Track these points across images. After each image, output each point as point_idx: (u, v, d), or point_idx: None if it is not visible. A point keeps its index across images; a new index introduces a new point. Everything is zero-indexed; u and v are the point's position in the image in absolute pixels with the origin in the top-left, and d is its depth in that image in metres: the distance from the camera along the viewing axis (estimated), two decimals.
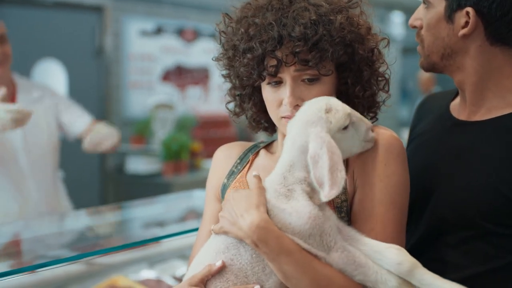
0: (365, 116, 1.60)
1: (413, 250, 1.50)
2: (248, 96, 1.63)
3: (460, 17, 1.56)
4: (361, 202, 1.46)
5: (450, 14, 1.56)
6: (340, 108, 1.39)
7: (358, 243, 1.38)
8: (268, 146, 1.72)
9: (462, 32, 1.56)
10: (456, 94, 1.77)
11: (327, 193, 1.28)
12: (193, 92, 7.61)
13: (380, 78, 1.60)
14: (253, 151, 1.70)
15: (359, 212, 1.45)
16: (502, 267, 1.44)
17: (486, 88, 1.60)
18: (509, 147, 1.52)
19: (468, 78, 1.61)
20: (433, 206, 1.62)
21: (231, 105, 1.73)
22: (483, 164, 1.54)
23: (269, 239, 1.33)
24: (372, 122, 1.63)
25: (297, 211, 1.35)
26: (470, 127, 1.62)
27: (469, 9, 1.54)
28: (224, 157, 1.72)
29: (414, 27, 1.67)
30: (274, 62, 1.46)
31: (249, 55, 1.48)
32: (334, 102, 1.41)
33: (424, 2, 1.63)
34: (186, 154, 6.43)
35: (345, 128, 1.39)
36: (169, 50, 7.44)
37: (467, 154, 1.58)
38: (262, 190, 1.40)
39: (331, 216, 1.39)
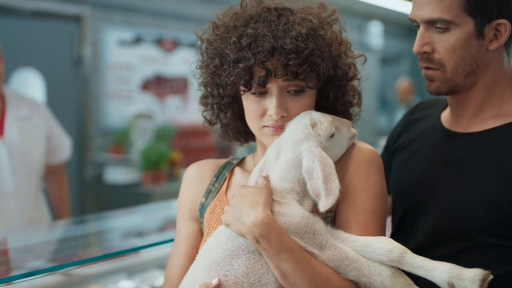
0: None
1: None
2: (227, 105, 1.63)
3: (489, 31, 1.56)
4: (346, 212, 1.50)
5: (481, 29, 1.55)
6: (323, 119, 1.46)
7: (347, 241, 1.42)
8: (240, 163, 1.73)
9: (496, 44, 1.57)
10: (447, 105, 1.77)
11: (324, 203, 1.35)
12: (172, 101, 7.60)
13: (355, 93, 1.64)
14: (228, 168, 1.71)
15: (344, 220, 1.50)
16: (498, 278, 1.45)
17: (489, 100, 1.62)
18: (503, 159, 1.53)
19: (479, 91, 1.62)
20: (427, 218, 1.63)
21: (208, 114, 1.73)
22: (478, 177, 1.55)
23: (271, 235, 1.35)
24: None
25: (290, 212, 1.40)
26: (464, 138, 1.64)
27: (503, 21, 1.55)
28: (197, 175, 1.72)
29: (425, 53, 1.61)
30: (263, 72, 1.47)
31: (240, 65, 1.47)
32: (316, 116, 1.47)
33: (437, 27, 1.57)
34: (165, 163, 6.42)
35: (332, 135, 1.46)
36: (148, 60, 7.43)
37: (462, 166, 1.60)
38: (269, 189, 1.43)
39: (319, 219, 1.44)
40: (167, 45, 7.61)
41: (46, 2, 6.35)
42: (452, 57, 1.58)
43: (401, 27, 11.57)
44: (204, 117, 1.72)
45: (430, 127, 1.76)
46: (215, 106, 1.66)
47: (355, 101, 1.65)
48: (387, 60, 12.48)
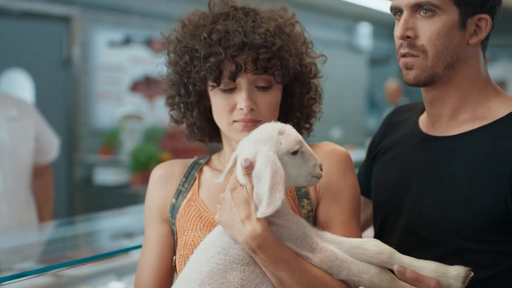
0: (302, 126, 1.69)
1: None
2: (193, 104, 1.63)
3: (471, 24, 1.57)
4: (328, 211, 1.54)
5: (464, 21, 1.56)
6: (293, 133, 1.41)
7: (335, 242, 1.44)
8: (208, 162, 1.72)
9: (476, 39, 1.58)
10: (424, 109, 1.77)
11: (263, 210, 1.32)
12: (162, 102, 7.54)
13: (316, 91, 1.69)
14: (196, 168, 1.70)
15: (326, 220, 1.53)
16: (477, 283, 1.46)
17: (465, 101, 1.62)
18: (479, 163, 1.53)
19: (455, 90, 1.62)
20: (406, 222, 1.63)
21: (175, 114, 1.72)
22: (455, 181, 1.56)
23: (268, 247, 1.35)
24: (308, 134, 1.72)
25: (282, 221, 1.40)
26: (442, 142, 1.64)
27: (485, 16, 1.56)
28: (165, 176, 1.71)
29: (407, 37, 1.59)
30: (233, 67, 1.50)
31: (212, 59, 1.50)
32: (289, 128, 1.43)
33: (423, 11, 1.56)
34: (155, 165, 6.37)
35: (294, 153, 1.40)
36: (138, 61, 7.42)
37: (439, 171, 1.60)
38: None
39: (306, 223, 1.45)
40: (157, 46, 7.59)
41: (35, 2, 6.34)
42: (434, 45, 1.57)
43: (390, 28, 11.57)
44: (171, 116, 1.71)
45: (409, 131, 1.76)
46: (181, 105, 1.66)
47: (317, 99, 1.69)
48: (376, 61, 12.51)
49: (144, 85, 7.47)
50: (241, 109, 1.53)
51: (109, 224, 3.08)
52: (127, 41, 7.29)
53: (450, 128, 1.64)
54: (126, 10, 7.24)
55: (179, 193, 1.66)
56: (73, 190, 6.77)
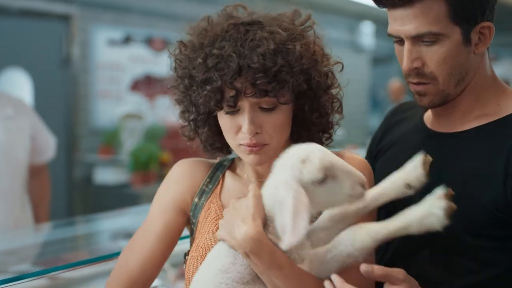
0: (320, 138, 1.61)
1: (388, 263, 1.49)
2: (203, 122, 1.58)
3: (474, 35, 1.54)
4: None
5: (468, 35, 1.53)
6: (317, 161, 1.32)
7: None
8: (231, 165, 1.69)
9: (483, 47, 1.56)
10: None
11: (287, 240, 1.27)
12: (162, 101, 7.56)
13: (334, 100, 1.61)
14: (221, 170, 1.67)
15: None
16: (480, 282, 1.44)
17: (475, 102, 1.60)
18: (484, 158, 1.52)
19: (466, 95, 1.60)
20: None
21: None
22: (461, 176, 1.53)
23: (261, 252, 1.33)
24: (328, 144, 1.65)
25: (275, 239, 1.36)
26: (448, 139, 1.62)
27: (486, 23, 1.53)
28: (191, 171, 1.68)
29: (415, 68, 1.56)
30: (232, 92, 1.43)
31: (208, 87, 1.44)
32: (314, 154, 1.34)
33: (425, 41, 1.53)
34: (155, 164, 6.40)
35: (322, 182, 1.33)
36: (138, 59, 7.40)
37: (445, 167, 1.57)
38: (258, 199, 1.38)
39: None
40: (157, 44, 7.58)
41: (34, 1, 6.33)
42: (443, 69, 1.54)
43: None
44: (183, 133, 1.67)
45: (413, 128, 1.74)
46: (191, 122, 1.61)
47: (336, 108, 1.62)
48: (378, 60, 12.52)
49: (145, 84, 7.47)
50: (245, 133, 1.47)
51: (109, 224, 3.07)
52: (127, 40, 7.27)
53: (458, 125, 1.62)
54: (126, 9, 7.22)
55: (203, 193, 1.64)
56: (73, 189, 6.76)
